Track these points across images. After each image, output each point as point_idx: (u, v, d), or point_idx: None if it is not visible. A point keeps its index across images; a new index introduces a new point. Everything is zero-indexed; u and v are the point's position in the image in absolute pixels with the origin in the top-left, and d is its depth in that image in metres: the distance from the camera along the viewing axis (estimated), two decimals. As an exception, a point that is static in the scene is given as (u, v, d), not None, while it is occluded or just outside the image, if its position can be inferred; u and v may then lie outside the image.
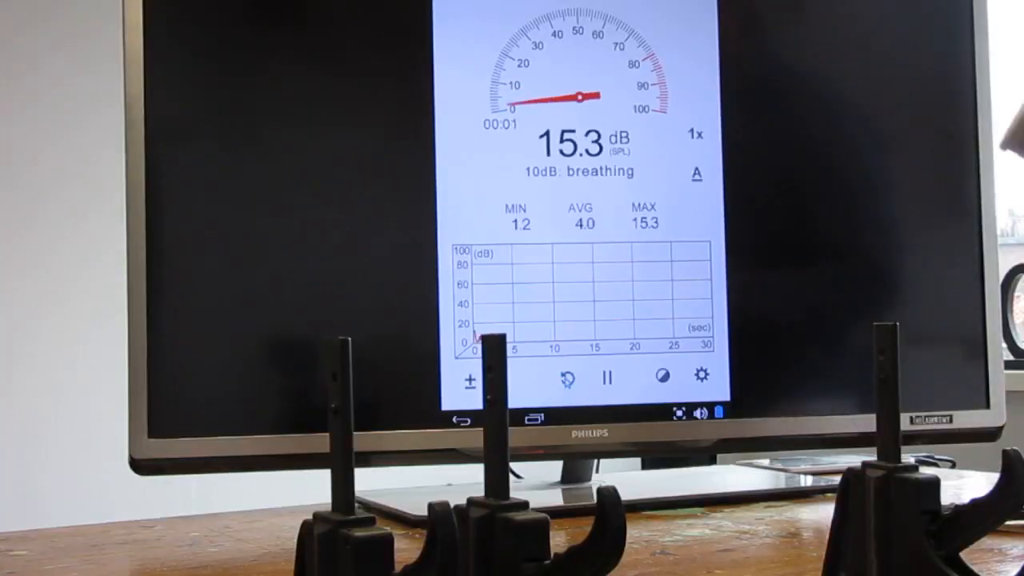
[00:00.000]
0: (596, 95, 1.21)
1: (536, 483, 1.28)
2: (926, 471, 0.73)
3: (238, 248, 1.12)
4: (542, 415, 1.17)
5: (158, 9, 1.10)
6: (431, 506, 0.60)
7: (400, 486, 1.27)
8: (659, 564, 0.93)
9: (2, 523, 1.23)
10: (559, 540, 0.96)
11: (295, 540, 0.63)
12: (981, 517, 0.71)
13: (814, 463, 1.49)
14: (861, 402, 1.22)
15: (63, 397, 2.19)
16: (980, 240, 1.29)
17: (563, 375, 1.18)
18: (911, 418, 1.24)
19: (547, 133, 1.19)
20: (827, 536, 0.75)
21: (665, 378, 1.21)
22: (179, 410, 1.09)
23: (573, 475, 1.28)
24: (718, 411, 1.22)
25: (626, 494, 0.61)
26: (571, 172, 1.19)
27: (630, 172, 1.20)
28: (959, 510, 0.71)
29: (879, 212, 1.30)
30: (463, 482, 1.15)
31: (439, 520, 0.60)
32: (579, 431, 1.18)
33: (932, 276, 1.30)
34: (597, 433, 1.18)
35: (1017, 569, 0.82)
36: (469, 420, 1.15)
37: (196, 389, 1.10)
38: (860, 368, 1.18)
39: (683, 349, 1.20)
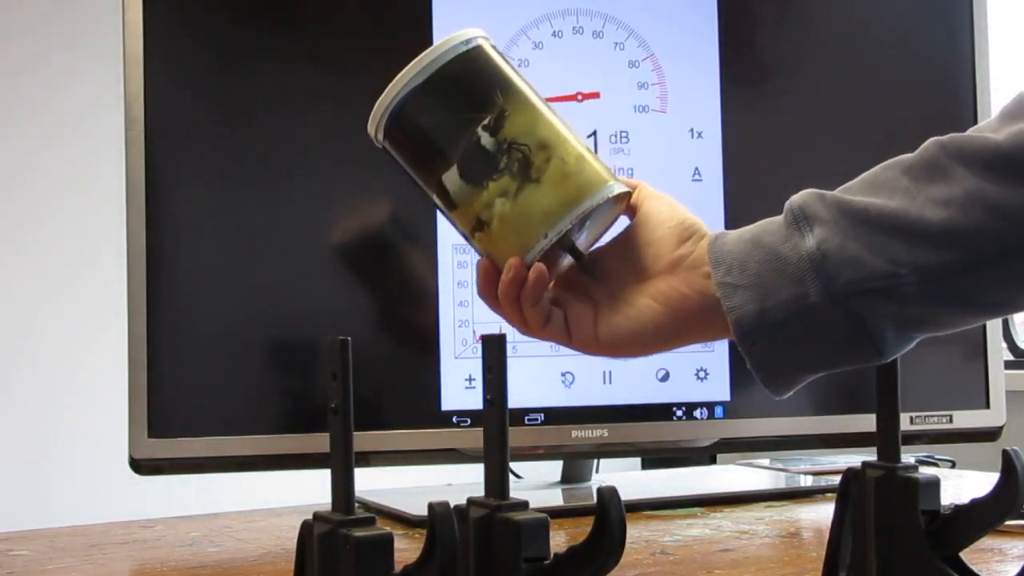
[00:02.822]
0: (596, 95, 1.21)
1: (536, 483, 1.28)
2: (926, 471, 0.73)
3: (238, 248, 1.12)
4: (542, 415, 1.17)
5: (158, 9, 1.10)
6: (431, 506, 0.60)
7: (400, 486, 1.27)
8: (659, 564, 0.93)
9: (3, 523, 1.23)
10: (559, 540, 0.96)
11: (295, 540, 0.63)
12: (981, 517, 0.72)
13: (814, 463, 1.49)
14: (861, 402, 1.22)
15: (63, 398, 2.19)
16: (980, 240, 1.28)
17: (563, 375, 1.18)
18: (911, 418, 1.24)
19: (547, 133, 1.19)
20: (827, 536, 0.76)
21: (665, 378, 1.21)
22: (179, 410, 1.09)
23: (573, 475, 1.28)
24: (718, 411, 1.22)
25: (626, 494, 0.61)
26: (571, 172, 1.19)
27: (630, 172, 1.20)
28: (959, 510, 0.72)
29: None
30: (463, 482, 1.15)
31: (439, 520, 0.60)
32: (579, 431, 1.18)
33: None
34: (597, 433, 1.18)
35: (1017, 569, 0.82)
36: (469, 420, 1.15)
37: (196, 389, 1.10)
38: (859, 368, 1.18)
39: (683, 349, 1.20)
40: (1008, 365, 1.67)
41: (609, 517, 0.59)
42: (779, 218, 0.76)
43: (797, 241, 0.73)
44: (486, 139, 0.76)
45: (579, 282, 0.80)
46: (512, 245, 0.76)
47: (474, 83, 0.77)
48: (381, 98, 0.77)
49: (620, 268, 0.79)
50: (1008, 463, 0.70)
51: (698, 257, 0.77)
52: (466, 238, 0.79)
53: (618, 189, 0.77)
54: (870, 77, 1.30)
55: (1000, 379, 1.30)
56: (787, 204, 0.76)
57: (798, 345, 0.74)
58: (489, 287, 0.79)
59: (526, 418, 1.17)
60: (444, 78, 0.76)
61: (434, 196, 0.78)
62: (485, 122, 0.76)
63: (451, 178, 0.76)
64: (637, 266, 0.79)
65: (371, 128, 0.78)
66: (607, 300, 0.79)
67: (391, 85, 0.76)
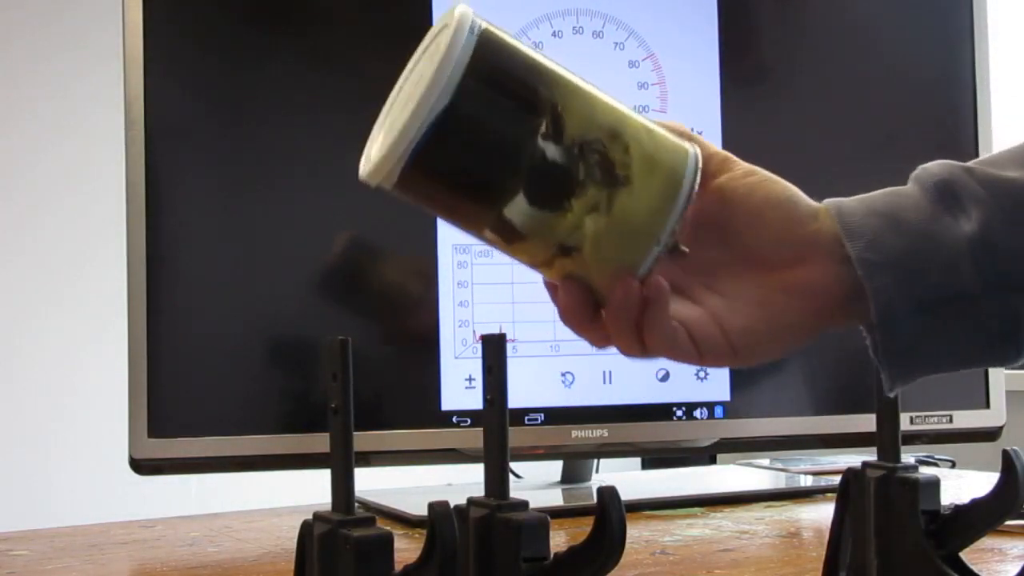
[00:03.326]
0: (596, 95, 1.20)
1: (536, 483, 1.28)
2: (926, 471, 0.73)
3: (238, 248, 1.12)
4: (542, 415, 1.17)
5: (158, 9, 1.10)
6: (431, 506, 0.60)
7: (400, 486, 1.27)
8: (659, 564, 0.93)
9: (3, 523, 1.23)
10: (559, 540, 0.96)
11: (295, 540, 0.63)
12: (981, 517, 0.72)
13: (814, 463, 1.49)
14: (861, 402, 1.22)
15: (63, 397, 2.19)
16: (980, 240, 1.28)
17: (563, 375, 1.18)
18: (911, 418, 1.24)
19: (547, 133, 1.19)
20: (827, 536, 0.76)
21: (665, 378, 1.21)
22: (179, 410, 1.09)
23: (573, 475, 1.28)
24: (718, 411, 1.22)
25: (626, 494, 0.61)
26: (571, 172, 1.19)
27: (630, 172, 1.20)
28: (959, 510, 0.72)
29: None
30: (463, 482, 1.15)
31: (439, 520, 0.60)
32: (579, 431, 1.18)
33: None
34: (597, 433, 1.18)
35: (1017, 569, 0.82)
36: (469, 420, 1.15)
37: (196, 389, 1.10)
38: (860, 368, 1.18)
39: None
40: (1008, 365, 1.67)
41: (609, 517, 0.59)
42: (913, 190, 0.67)
43: (949, 222, 0.64)
44: (551, 150, 0.59)
45: (670, 280, 0.65)
46: (618, 263, 0.61)
47: (508, 82, 0.60)
48: (394, 141, 0.57)
49: (721, 257, 0.66)
50: (1008, 463, 0.70)
51: (829, 238, 0.65)
52: (534, 267, 0.64)
53: (696, 150, 0.65)
54: (870, 77, 1.30)
55: (1000, 379, 1.30)
56: (924, 176, 0.67)
57: (942, 336, 0.64)
58: (581, 311, 0.64)
59: (526, 418, 1.17)
60: (470, 88, 0.57)
61: (486, 232, 0.61)
62: (543, 130, 0.59)
63: (518, 209, 0.59)
64: (748, 255, 0.66)
65: (375, 176, 0.59)
66: (722, 302, 0.66)
67: (407, 124, 0.57)
